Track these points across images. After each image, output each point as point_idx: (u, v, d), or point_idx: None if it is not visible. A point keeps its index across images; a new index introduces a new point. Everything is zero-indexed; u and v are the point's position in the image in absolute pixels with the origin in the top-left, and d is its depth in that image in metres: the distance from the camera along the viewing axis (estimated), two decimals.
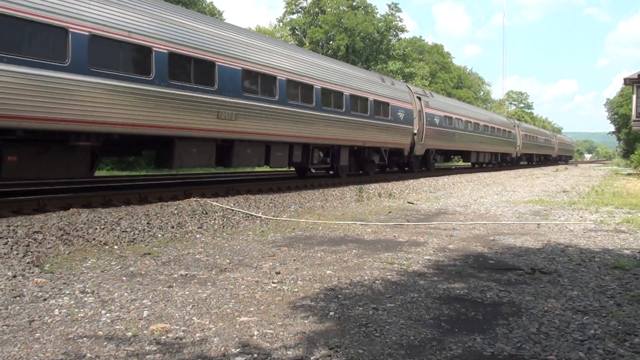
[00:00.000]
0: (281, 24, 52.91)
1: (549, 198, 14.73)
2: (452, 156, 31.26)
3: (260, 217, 10.03)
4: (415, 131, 21.18)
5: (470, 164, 35.93)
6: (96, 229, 7.45)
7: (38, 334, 3.81)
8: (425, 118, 22.18)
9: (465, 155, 30.92)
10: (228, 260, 6.38)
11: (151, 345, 3.61)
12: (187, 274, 5.64)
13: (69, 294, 4.82)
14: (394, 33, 54.31)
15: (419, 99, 22.18)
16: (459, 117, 26.97)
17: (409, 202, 13.58)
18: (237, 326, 4.03)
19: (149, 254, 6.70)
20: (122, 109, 9.08)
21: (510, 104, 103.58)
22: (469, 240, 7.88)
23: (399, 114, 19.55)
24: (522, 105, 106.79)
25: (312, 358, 3.41)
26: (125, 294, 4.84)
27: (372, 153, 18.59)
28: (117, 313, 4.29)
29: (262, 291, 5.01)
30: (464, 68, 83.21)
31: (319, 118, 14.61)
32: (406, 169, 23.04)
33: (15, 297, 4.70)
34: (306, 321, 4.15)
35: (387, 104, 18.69)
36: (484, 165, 36.03)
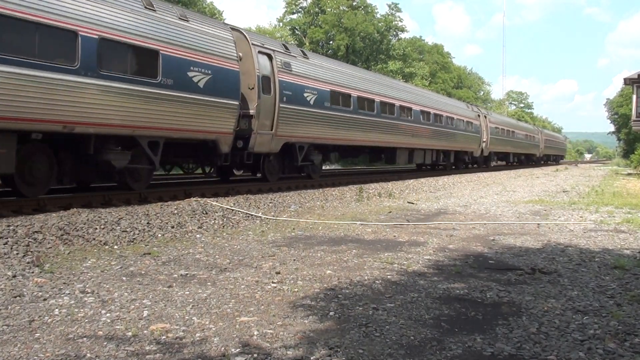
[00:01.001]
0: (281, 24, 52.92)
1: (549, 198, 14.73)
2: (382, 156, 21.23)
3: (260, 217, 10.03)
4: (253, 111, 12.61)
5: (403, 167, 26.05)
6: (96, 228, 7.44)
7: (38, 334, 3.81)
8: (282, 90, 13.49)
9: (388, 153, 20.81)
10: (228, 260, 6.38)
11: (151, 345, 3.61)
12: (187, 274, 5.64)
13: (69, 293, 4.82)
14: (394, 33, 54.40)
15: (269, 56, 13.36)
16: (369, 95, 18.13)
17: (409, 202, 13.58)
18: (237, 326, 4.03)
19: (149, 253, 6.70)
20: None
21: (511, 104, 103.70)
22: (469, 240, 7.88)
23: (192, 73, 10.80)
24: (522, 105, 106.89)
25: (312, 358, 3.41)
26: (125, 293, 4.84)
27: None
28: (117, 313, 4.29)
29: (262, 291, 5.01)
30: (464, 68, 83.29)
31: None
32: (235, 172, 14.77)
33: (15, 297, 4.70)
34: (306, 321, 4.15)
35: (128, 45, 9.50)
36: (430, 167, 27.35)
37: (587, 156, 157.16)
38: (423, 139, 22.78)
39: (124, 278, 5.44)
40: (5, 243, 6.25)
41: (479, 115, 31.46)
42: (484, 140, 31.83)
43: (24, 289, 4.93)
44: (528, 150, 46.02)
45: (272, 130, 13.39)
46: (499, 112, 67.47)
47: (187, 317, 4.21)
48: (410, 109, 21.59)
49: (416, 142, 22.21)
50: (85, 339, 3.72)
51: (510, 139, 38.69)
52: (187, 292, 4.93)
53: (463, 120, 28.17)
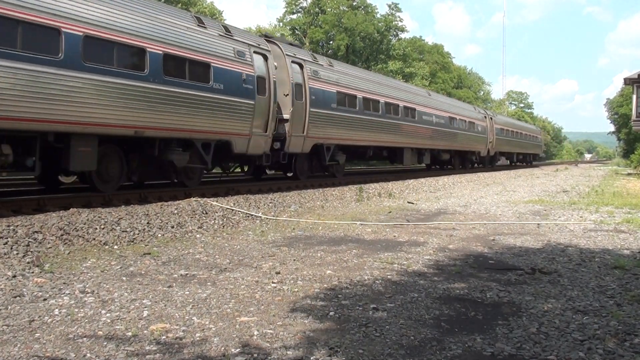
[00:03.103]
0: (281, 23, 52.91)
1: (549, 198, 14.73)
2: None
3: (260, 217, 10.03)
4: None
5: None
6: (96, 228, 7.44)
7: (38, 334, 3.81)
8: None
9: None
10: (228, 260, 6.38)
11: (151, 345, 3.61)
12: (187, 274, 5.64)
13: (69, 293, 4.82)
14: (394, 33, 54.37)
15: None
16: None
17: (409, 202, 13.58)
18: (237, 326, 4.03)
19: (149, 253, 6.70)
20: None
21: (511, 104, 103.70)
22: (469, 240, 7.88)
23: None
24: (522, 105, 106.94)
25: (312, 358, 3.41)
26: (125, 293, 4.84)
27: None
28: (117, 313, 4.29)
29: (262, 291, 5.01)
30: (464, 68, 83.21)
31: None
32: None
33: (15, 297, 4.70)
34: (306, 321, 4.15)
35: None
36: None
37: (587, 156, 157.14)
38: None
39: (124, 278, 5.44)
40: (5, 243, 6.25)
41: (300, 66, 14.78)
42: (286, 117, 14.47)
43: (24, 289, 4.93)
44: (463, 145, 28.98)
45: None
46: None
47: (187, 317, 4.21)
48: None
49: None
50: (85, 339, 3.72)
51: (405, 122, 21.14)
52: (187, 292, 4.93)
53: (207, 66, 11.96)
